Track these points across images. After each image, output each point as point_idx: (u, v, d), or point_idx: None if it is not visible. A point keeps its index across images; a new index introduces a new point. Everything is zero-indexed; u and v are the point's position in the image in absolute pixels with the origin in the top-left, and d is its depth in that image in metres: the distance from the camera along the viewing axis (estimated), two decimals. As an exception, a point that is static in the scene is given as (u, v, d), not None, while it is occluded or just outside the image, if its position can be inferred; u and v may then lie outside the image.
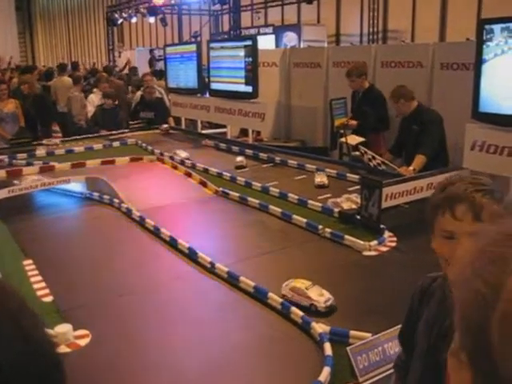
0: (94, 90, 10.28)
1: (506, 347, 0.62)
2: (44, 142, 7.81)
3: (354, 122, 6.54)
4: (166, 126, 8.90)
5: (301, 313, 2.77)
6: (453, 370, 0.75)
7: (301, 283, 2.98)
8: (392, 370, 2.28)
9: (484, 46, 4.81)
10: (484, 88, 4.87)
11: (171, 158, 6.66)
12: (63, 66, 13.49)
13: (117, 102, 9.31)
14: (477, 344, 0.67)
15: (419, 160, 5.40)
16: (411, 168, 5.35)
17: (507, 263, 0.66)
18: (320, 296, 2.89)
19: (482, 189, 1.56)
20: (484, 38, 4.79)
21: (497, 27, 4.69)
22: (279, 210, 4.57)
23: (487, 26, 4.77)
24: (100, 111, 9.01)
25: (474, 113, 5.01)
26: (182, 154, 6.71)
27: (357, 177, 5.29)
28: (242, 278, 3.22)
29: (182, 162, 6.43)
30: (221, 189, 5.28)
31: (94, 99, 9.73)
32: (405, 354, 1.83)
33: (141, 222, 4.43)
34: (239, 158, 6.41)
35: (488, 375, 0.65)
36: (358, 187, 4.68)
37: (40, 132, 8.95)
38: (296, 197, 4.90)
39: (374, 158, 5.54)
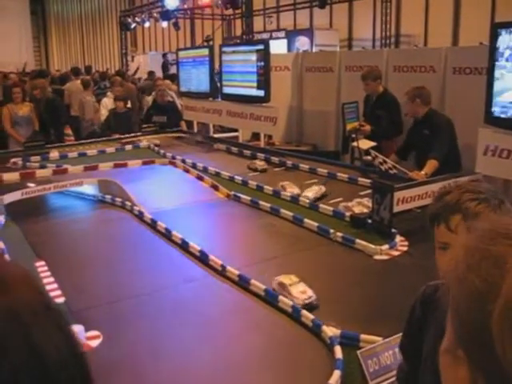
0: (108, 93, 10.35)
1: (510, 342, 0.63)
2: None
3: (367, 128, 6.51)
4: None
5: (311, 316, 2.76)
6: (447, 367, 0.75)
7: (288, 279, 3.10)
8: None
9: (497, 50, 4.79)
10: (497, 92, 4.85)
11: (183, 161, 6.69)
12: (77, 69, 13.57)
13: (129, 106, 9.35)
14: (476, 340, 0.67)
15: (431, 165, 5.37)
16: (423, 172, 5.32)
17: (503, 260, 0.67)
18: (301, 293, 2.97)
19: (477, 197, 1.53)
20: (497, 41, 4.77)
21: (510, 31, 4.67)
22: (290, 213, 4.57)
23: (501, 30, 4.75)
24: (112, 115, 9.06)
25: (486, 117, 4.98)
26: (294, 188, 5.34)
27: (368, 181, 5.28)
28: (252, 281, 3.22)
29: (194, 166, 6.45)
30: (232, 192, 5.29)
31: (108, 103, 9.79)
32: (407, 365, 1.78)
33: (152, 225, 4.45)
34: (260, 162, 6.43)
35: (489, 371, 0.66)
36: (369, 191, 4.67)
37: (53, 136, 9.02)
38: (307, 200, 4.89)
39: (384, 161, 5.53)
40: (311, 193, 5.08)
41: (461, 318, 0.70)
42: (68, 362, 0.71)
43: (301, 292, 2.98)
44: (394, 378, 2.28)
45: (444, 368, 0.77)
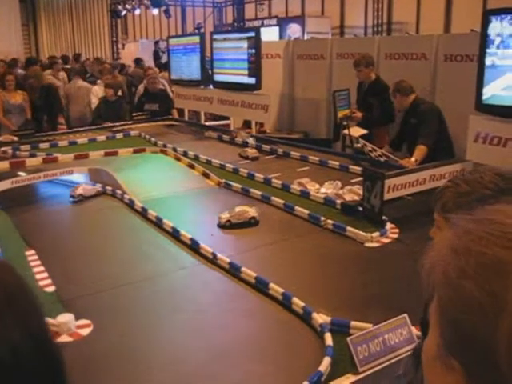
0: (98, 81, 10.27)
1: None
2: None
3: (359, 115, 6.52)
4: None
5: (302, 303, 2.77)
6: (435, 374, 0.71)
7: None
8: (393, 360, 2.30)
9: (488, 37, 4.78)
10: (488, 80, 4.85)
11: (174, 149, 6.66)
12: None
13: (120, 94, 9.28)
14: (477, 355, 0.63)
15: (420, 151, 5.40)
16: (413, 159, 5.34)
17: (504, 268, 0.63)
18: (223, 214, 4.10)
19: (452, 180, 1.64)
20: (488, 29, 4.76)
21: (502, 18, 4.66)
22: (281, 201, 4.57)
23: (492, 17, 4.74)
24: (103, 103, 8.99)
25: (477, 104, 4.98)
26: None
27: (359, 169, 5.29)
28: (243, 269, 3.22)
29: (185, 154, 6.43)
30: (223, 180, 5.28)
31: (98, 91, 9.70)
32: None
33: (143, 213, 4.44)
34: (252, 150, 6.41)
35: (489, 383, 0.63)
36: (360, 179, 4.67)
37: (45, 123, 8.95)
38: (298, 188, 4.89)
39: (374, 150, 5.53)
40: (330, 189, 4.83)
41: (456, 328, 0.66)
42: (25, 351, 0.68)
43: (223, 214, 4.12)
44: (383, 365, 2.30)
45: (430, 374, 0.72)
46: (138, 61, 15.07)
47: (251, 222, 4.11)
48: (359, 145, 6.01)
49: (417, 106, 5.71)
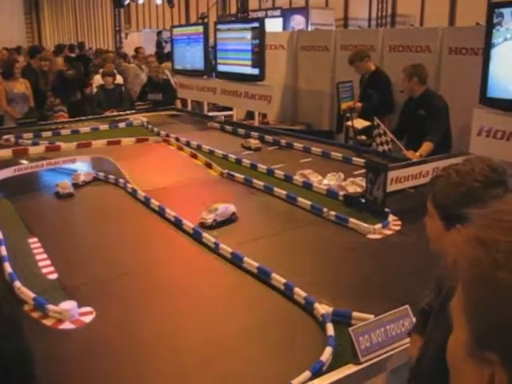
0: (100, 70, 10.24)
1: None
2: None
3: (358, 105, 6.52)
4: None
5: (304, 293, 2.78)
6: (466, 374, 0.70)
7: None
8: (394, 351, 2.31)
9: (494, 30, 4.75)
10: (492, 73, 4.83)
11: (177, 139, 6.65)
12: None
13: (120, 82, 9.29)
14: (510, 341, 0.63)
15: (427, 147, 5.36)
16: (418, 154, 5.32)
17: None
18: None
19: (445, 170, 1.75)
20: (494, 22, 4.74)
21: (507, 11, 4.64)
22: (284, 192, 4.56)
23: (497, 10, 4.72)
24: (101, 91, 8.97)
25: (481, 98, 4.97)
26: None
27: (362, 160, 5.28)
28: (245, 259, 3.23)
29: (188, 144, 6.42)
30: (226, 170, 5.28)
31: (100, 79, 9.69)
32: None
33: (146, 203, 4.44)
34: (254, 141, 6.40)
35: None
36: (363, 171, 4.67)
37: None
38: (301, 179, 4.89)
39: (385, 133, 5.38)
40: (333, 181, 4.80)
41: (491, 320, 0.65)
42: None
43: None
44: (385, 355, 2.31)
45: (462, 375, 0.71)
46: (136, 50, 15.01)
47: (232, 219, 4.03)
48: (363, 137, 5.99)
49: (429, 98, 5.63)
